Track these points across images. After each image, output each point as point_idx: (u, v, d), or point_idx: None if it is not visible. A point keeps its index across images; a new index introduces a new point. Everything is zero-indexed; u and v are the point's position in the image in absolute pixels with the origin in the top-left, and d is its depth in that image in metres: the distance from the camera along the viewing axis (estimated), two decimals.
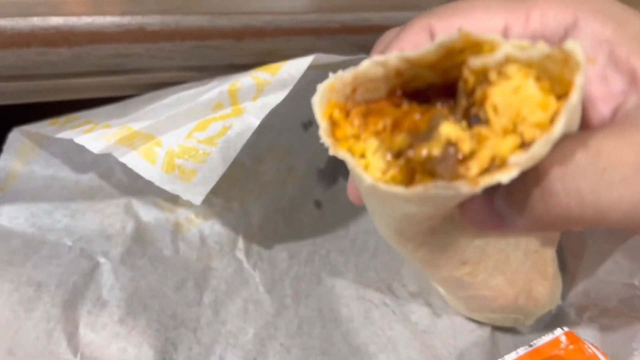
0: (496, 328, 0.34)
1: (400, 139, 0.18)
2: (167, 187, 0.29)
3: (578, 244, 0.35)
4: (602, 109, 0.20)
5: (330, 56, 0.31)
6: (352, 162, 0.17)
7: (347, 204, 0.40)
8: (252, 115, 0.29)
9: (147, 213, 0.36)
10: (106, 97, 0.34)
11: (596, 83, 0.20)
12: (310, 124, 0.41)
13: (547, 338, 0.28)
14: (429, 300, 0.35)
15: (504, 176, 0.15)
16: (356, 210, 0.39)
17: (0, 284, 0.30)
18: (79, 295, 0.31)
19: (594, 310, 0.33)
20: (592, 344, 0.27)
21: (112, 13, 0.29)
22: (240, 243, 0.37)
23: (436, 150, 0.17)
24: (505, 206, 0.19)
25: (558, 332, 0.28)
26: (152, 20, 0.30)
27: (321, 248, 0.38)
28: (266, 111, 0.29)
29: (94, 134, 0.30)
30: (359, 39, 0.34)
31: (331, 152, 0.18)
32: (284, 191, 0.40)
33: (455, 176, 0.16)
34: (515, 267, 0.27)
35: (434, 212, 0.20)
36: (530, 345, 0.28)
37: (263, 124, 0.41)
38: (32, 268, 0.31)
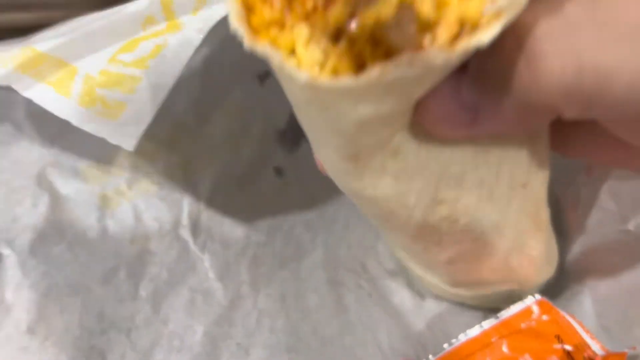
0: (490, 310, 0.29)
1: (336, 12, 0.14)
2: (89, 127, 0.24)
3: (574, 200, 0.30)
4: None
5: None
6: (277, 57, 0.13)
7: (313, 170, 0.34)
8: (192, 31, 0.23)
9: (66, 184, 0.29)
10: None
11: None
12: (267, 75, 0.35)
13: (516, 308, 0.24)
14: (410, 279, 0.30)
15: (485, 34, 0.12)
16: (324, 177, 0.33)
17: None
18: None
19: (596, 272, 0.29)
20: (568, 314, 0.24)
21: None
22: (185, 219, 0.30)
23: (386, 12, 0.13)
24: (480, 91, 0.15)
25: (529, 300, 0.24)
26: None
27: (284, 222, 0.32)
28: (210, 24, 0.24)
29: None
30: None
31: (247, 45, 0.13)
32: (238, 156, 0.33)
33: (419, 49, 0.13)
34: (502, 207, 0.22)
35: (394, 111, 0.16)
36: (497, 317, 0.24)
37: (208, 76, 0.35)
38: None
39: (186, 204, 0.31)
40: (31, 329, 0.24)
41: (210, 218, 0.31)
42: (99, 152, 0.31)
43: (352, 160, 0.17)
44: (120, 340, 0.25)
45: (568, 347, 0.23)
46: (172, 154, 0.32)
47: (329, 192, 0.33)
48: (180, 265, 0.29)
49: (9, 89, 0.31)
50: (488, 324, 0.24)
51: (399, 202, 0.19)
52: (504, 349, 0.23)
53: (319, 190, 0.33)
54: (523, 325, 0.24)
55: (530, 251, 0.25)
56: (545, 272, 0.27)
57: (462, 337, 0.24)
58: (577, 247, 0.30)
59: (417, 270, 0.28)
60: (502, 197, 0.21)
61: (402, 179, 0.18)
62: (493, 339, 0.23)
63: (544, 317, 0.24)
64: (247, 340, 0.27)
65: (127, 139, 0.24)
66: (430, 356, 0.24)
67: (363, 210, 0.21)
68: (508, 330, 0.24)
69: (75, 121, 0.24)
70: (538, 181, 0.23)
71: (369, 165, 0.17)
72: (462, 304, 0.29)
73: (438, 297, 0.29)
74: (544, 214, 0.25)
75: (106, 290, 0.26)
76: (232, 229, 0.31)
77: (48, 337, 0.24)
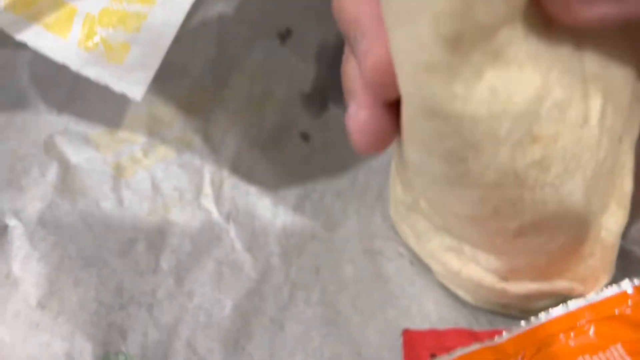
0: None
1: None
2: (90, 71, 0.21)
3: None
4: None
5: None
6: None
7: (341, 135, 0.31)
8: None
9: (77, 152, 0.27)
10: None
11: None
12: (288, 33, 0.32)
13: (609, 292, 0.21)
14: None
15: None
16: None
17: None
18: None
19: None
20: None
21: None
22: (207, 188, 0.28)
23: None
24: None
25: (625, 285, 0.21)
26: None
27: (313, 191, 0.29)
28: None
29: None
30: None
31: None
32: (261, 121, 0.31)
33: None
34: (599, 161, 0.18)
35: None
36: (585, 300, 0.21)
37: (225, 35, 0.33)
38: None
39: (207, 171, 0.28)
40: (42, 304, 0.21)
41: (235, 186, 0.28)
42: (111, 118, 0.28)
43: (450, 46, 0.13)
44: (142, 316, 0.23)
45: None
46: (190, 118, 0.29)
47: (359, 158, 0.31)
48: (204, 237, 0.26)
49: (10, 54, 0.29)
50: (575, 304, 0.21)
51: (489, 128, 0.15)
52: (592, 334, 0.20)
53: (348, 157, 0.31)
54: (616, 311, 0.21)
55: (607, 236, 0.22)
56: (610, 272, 0.23)
57: (543, 317, 0.21)
58: None
59: (455, 261, 0.24)
60: (602, 148, 0.18)
61: (498, 95, 0.15)
62: (579, 322, 0.20)
63: None
64: (280, 315, 0.24)
65: (134, 87, 0.22)
66: (504, 333, 0.21)
67: (430, 148, 0.17)
68: (598, 314, 0.21)
69: (74, 65, 0.22)
70: (629, 141, 0.20)
71: (467, 60, 0.14)
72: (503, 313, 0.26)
73: (475, 303, 0.25)
74: (628, 186, 0.21)
75: (124, 263, 0.24)
76: (259, 199, 0.28)
77: (61, 312, 0.21)
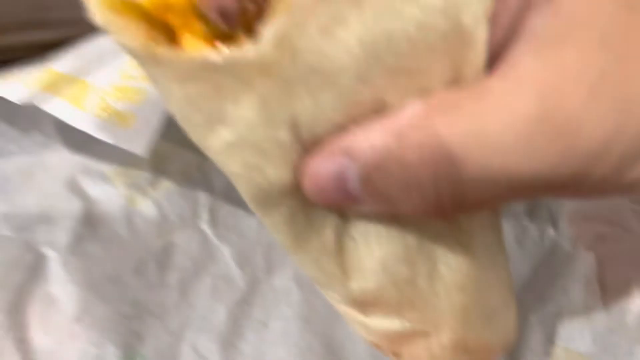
0: None
1: None
2: (104, 135, 0.26)
3: None
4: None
5: None
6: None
7: None
8: None
9: (95, 188, 0.32)
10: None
11: None
12: None
13: None
14: None
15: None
16: None
17: None
18: (26, 295, 0.27)
19: (588, 237, 0.31)
20: None
21: None
22: (204, 213, 0.33)
23: None
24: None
25: None
26: None
27: None
28: None
29: (12, 82, 0.26)
30: None
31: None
32: None
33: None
34: None
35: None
36: None
37: None
38: None
39: (204, 198, 0.34)
40: (77, 317, 0.27)
41: (227, 211, 0.34)
42: (122, 156, 0.34)
43: None
44: (155, 324, 0.29)
45: None
46: (186, 152, 0.35)
47: None
48: (202, 255, 0.32)
49: (35, 107, 0.34)
50: None
51: None
52: None
53: None
54: None
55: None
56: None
57: None
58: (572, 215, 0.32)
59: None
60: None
61: None
62: None
63: None
64: (265, 316, 0.30)
65: (139, 145, 0.26)
66: None
67: None
68: None
69: (91, 131, 0.26)
70: None
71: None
72: None
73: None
74: None
75: (138, 280, 0.30)
76: (246, 220, 0.34)
77: (92, 324, 0.27)
